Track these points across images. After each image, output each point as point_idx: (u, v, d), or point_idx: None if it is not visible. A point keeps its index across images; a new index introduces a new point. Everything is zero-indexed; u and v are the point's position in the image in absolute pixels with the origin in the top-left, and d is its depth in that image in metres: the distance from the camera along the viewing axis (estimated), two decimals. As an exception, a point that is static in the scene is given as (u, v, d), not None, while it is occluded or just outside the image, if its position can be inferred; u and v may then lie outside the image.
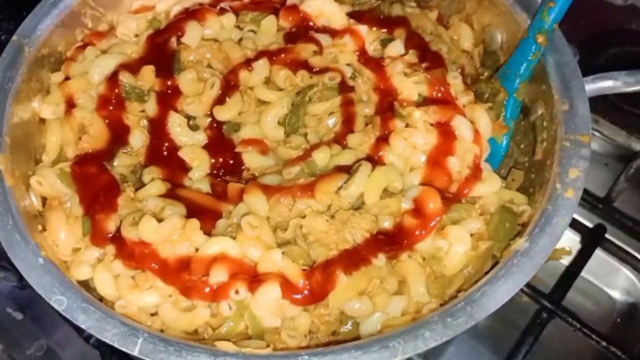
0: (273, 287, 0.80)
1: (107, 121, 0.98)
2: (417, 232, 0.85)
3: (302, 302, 0.81)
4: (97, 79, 0.99)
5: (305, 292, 0.81)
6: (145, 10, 1.12)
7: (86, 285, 0.88)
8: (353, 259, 0.83)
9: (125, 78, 0.98)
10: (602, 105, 1.27)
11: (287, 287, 0.81)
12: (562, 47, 0.96)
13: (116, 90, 0.98)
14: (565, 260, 1.17)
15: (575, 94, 0.90)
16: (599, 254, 1.17)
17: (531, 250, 0.79)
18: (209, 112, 1.00)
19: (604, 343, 1.04)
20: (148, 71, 0.99)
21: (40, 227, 0.91)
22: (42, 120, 1.01)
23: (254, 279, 0.81)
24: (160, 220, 0.85)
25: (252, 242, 0.84)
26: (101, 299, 0.87)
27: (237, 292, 0.80)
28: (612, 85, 0.94)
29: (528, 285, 1.07)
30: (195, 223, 0.85)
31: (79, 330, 1.09)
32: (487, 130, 0.97)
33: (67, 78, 1.02)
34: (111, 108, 0.98)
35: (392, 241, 0.85)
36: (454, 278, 0.84)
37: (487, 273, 0.82)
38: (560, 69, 0.93)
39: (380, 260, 0.83)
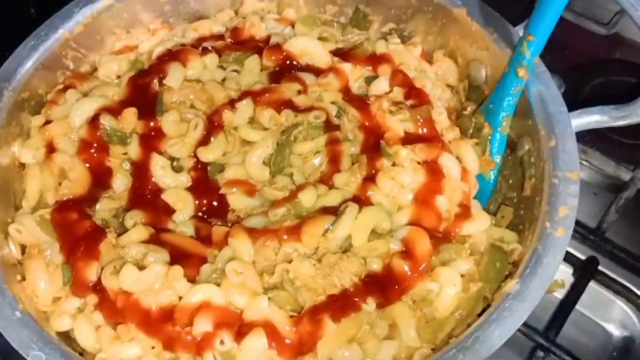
0: (259, 337, 0.78)
1: (88, 165, 0.96)
2: (408, 275, 0.83)
3: (289, 353, 0.79)
4: (78, 122, 0.98)
5: (293, 342, 0.79)
6: (128, 50, 1.11)
7: (66, 336, 0.86)
8: (342, 304, 0.81)
9: (106, 121, 0.97)
10: (589, 134, 1.26)
11: (274, 336, 0.78)
12: (547, 80, 0.95)
13: (98, 134, 0.96)
14: (559, 294, 1.16)
15: (561, 130, 0.90)
16: (592, 286, 1.15)
17: (523, 293, 0.77)
18: (193, 154, 0.98)
19: (601, 381, 1.02)
20: (130, 114, 0.98)
21: (19, 277, 0.89)
22: (22, 165, 0.99)
23: (240, 329, 0.79)
24: (142, 268, 0.83)
25: (238, 290, 0.81)
26: (82, 350, 0.84)
27: (222, 342, 0.78)
28: (599, 119, 0.94)
29: (522, 321, 1.05)
30: (178, 270, 0.83)
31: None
32: (474, 167, 0.96)
33: (47, 122, 1.00)
34: (92, 152, 0.96)
35: (381, 285, 0.83)
36: (445, 321, 0.82)
37: (479, 315, 0.80)
38: (546, 104, 0.93)
39: (369, 305, 0.81)
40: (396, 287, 0.83)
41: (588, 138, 1.28)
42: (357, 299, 0.81)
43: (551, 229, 0.82)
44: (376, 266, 0.84)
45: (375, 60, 1.04)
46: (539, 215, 0.85)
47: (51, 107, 1.01)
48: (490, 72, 1.05)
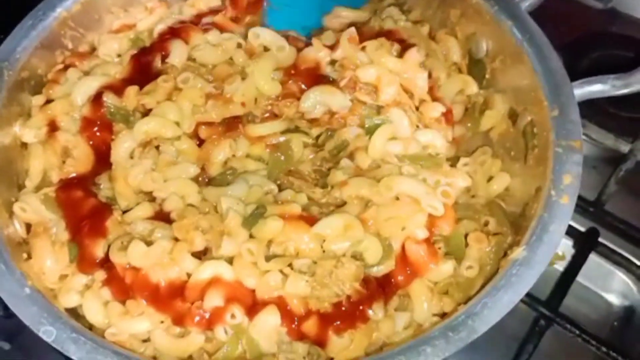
0: (273, 314, 0.78)
1: (91, 143, 0.96)
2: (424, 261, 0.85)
3: (300, 334, 0.80)
4: (80, 100, 0.97)
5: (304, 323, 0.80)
6: (126, 29, 1.10)
7: (75, 312, 0.86)
8: (347, 314, 0.81)
9: (109, 99, 0.96)
10: (588, 108, 1.25)
11: (286, 314, 0.79)
12: (549, 52, 0.95)
13: (101, 112, 0.96)
14: (560, 266, 1.16)
15: (564, 100, 0.90)
16: (593, 258, 1.15)
17: (530, 260, 0.78)
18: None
19: (603, 348, 1.02)
20: (133, 92, 0.97)
21: (25, 255, 0.88)
22: (24, 145, 0.98)
23: (253, 306, 0.79)
24: (149, 244, 0.83)
25: (250, 270, 0.81)
26: (91, 326, 0.84)
27: (233, 316, 0.78)
28: (601, 89, 0.94)
29: (524, 292, 1.07)
30: (183, 246, 0.83)
31: (68, 357, 1.05)
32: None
33: (48, 101, 0.99)
34: (95, 130, 0.96)
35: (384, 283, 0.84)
36: (475, 279, 0.84)
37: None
38: (548, 75, 0.93)
39: (376, 313, 0.81)
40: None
41: (587, 112, 1.27)
42: (362, 308, 0.81)
43: (556, 197, 0.82)
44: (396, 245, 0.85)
45: (384, 36, 1.02)
46: (543, 185, 0.86)
47: (52, 86, 1.00)
48: (490, 45, 1.05)
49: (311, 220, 0.85)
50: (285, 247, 0.83)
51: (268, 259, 0.83)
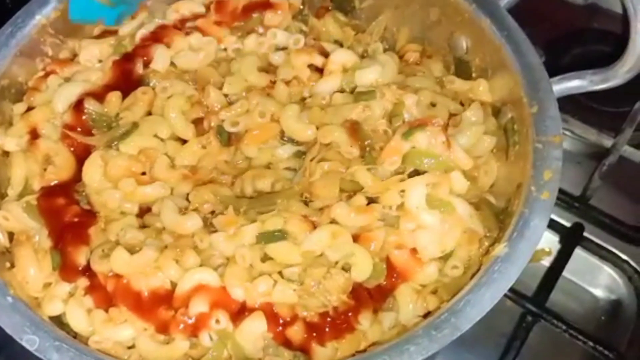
0: (259, 321, 0.78)
1: (72, 149, 0.95)
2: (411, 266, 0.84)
3: (285, 339, 0.80)
4: (62, 107, 0.97)
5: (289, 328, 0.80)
6: (107, 34, 1.09)
7: (59, 321, 0.85)
8: (333, 325, 0.80)
9: (91, 106, 0.96)
10: (570, 104, 1.27)
11: (272, 318, 0.79)
12: (528, 50, 0.95)
13: (83, 118, 0.95)
14: (546, 261, 1.17)
15: (543, 96, 0.90)
16: (578, 252, 1.17)
17: (511, 255, 0.78)
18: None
19: (590, 343, 1.03)
20: (114, 97, 0.97)
21: (8, 264, 0.88)
22: (6, 154, 0.97)
23: (239, 310, 0.80)
24: (132, 252, 0.83)
25: (238, 280, 0.81)
26: (75, 334, 0.84)
27: (217, 321, 0.78)
28: (579, 84, 0.95)
29: (511, 289, 1.06)
30: (169, 255, 0.83)
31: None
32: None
33: (29, 109, 0.99)
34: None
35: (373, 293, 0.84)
36: (463, 277, 0.83)
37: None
38: (527, 71, 0.93)
39: (364, 324, 0.81)
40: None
41: (569, 107, 1.29)
42: (349, 318, 0.81)
43: (537, 193, 0.83)
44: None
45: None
46: (524, 181, 0.86)
47: (33, 93, 1.00)
48: (470, 43, 1.05)
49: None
50: None
51: (264, 260, 0.83)
